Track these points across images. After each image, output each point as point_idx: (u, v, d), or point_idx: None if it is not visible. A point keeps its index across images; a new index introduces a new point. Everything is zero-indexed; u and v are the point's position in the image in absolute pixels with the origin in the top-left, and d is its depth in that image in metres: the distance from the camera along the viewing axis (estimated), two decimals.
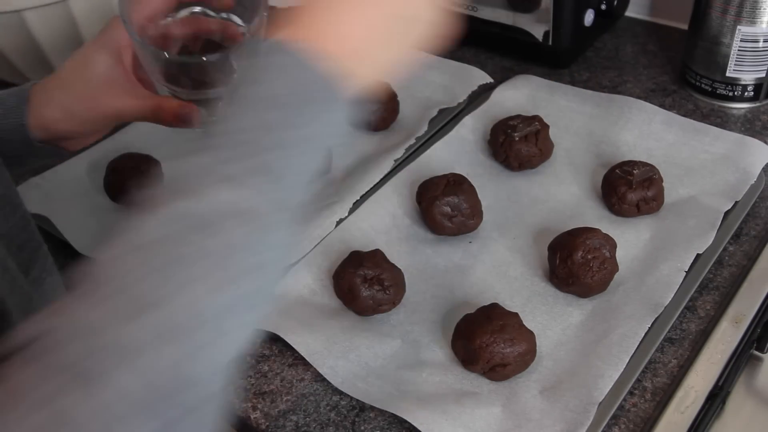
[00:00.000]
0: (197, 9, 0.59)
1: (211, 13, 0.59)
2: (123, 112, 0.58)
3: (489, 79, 0.89)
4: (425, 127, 0.84)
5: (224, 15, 0.59)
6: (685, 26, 0.87)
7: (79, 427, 0.29)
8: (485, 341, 0.57)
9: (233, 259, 0.34)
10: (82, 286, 0.33)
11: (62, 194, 0.79)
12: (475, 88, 0.88)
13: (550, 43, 0.90)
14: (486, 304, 0.61)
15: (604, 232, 0.65)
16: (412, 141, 0.82)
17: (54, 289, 0.62)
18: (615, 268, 0.64)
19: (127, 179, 0.76)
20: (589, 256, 0.62)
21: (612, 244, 0.64)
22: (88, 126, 0.59)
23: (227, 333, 0.34)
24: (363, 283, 0.63)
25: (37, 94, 0.58)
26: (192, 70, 0.57)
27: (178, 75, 0.57)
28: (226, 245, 0.34)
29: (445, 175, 0.72)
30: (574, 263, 0.62)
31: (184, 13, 0.59)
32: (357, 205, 0.75)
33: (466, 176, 0.73)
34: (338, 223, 0.73)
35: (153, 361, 0.31)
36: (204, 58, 0.55)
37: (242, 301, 0.35)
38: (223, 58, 0.55)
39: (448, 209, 0.70)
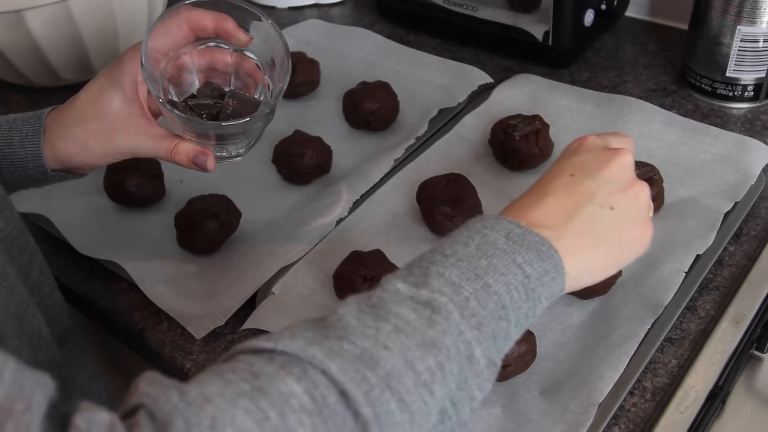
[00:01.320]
0: (212, 44, 0.59)
1: (228, 47, 0.59)
2: (137, 149, 0.58)
3: (489, 79, 0.89)
4: (425, 127, 0.84)
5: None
6: (685, 26, 0.87)
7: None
8: None
9: None
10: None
11: (62, 194, 0.79)
12: (475, 88, 0.88)
13: (550, 43, 0.90)
14: None
15: None
16: (412, 141, 0.82)
17: (52, 293, 0.61)
18: (618, 272, 0.63)
19: (127, 179, 0.76)
20: None
21: None
22: (102, 160, 0.59)
23: None
24: (363, 283, 0.63)
25: (53, 126, 0.58)
26: (212, 128, 0.57)
27: (190, 126, 0.57)
28: None
29: (445, 175, 0.72)
30: None
31: (200, 47, 0.59)
32: (357, 205, 0.75)
33: (466, 176, 0.73)
34: (338, 223, 0.73)
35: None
36: (223, 124, 0.56)
37: None
38: (244, 124, 0.55)
39: (448, 209, 0.70)
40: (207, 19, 0.56)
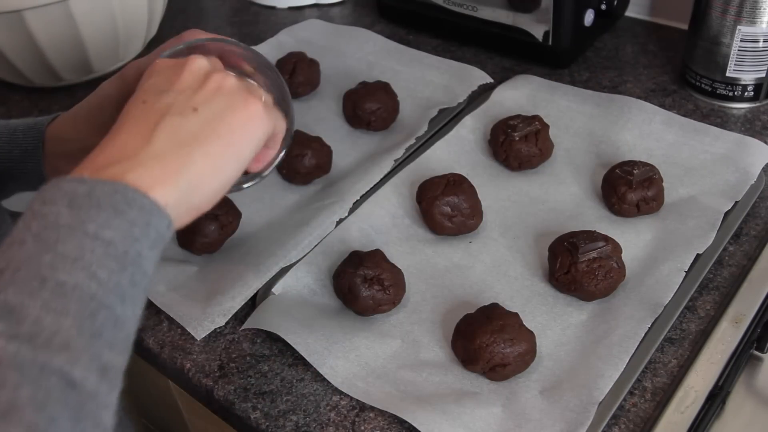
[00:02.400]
0: None
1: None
2: None
3: (489, 79, 0.89)
4: (425, 127, 0.84)
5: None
6: (685, 26, 0.87)
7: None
8: (485, 341, 0.57)
9: None
10: None
11: None
12: (475, 88, 0.88)
13: (550, 43, 0.90)
14: (486, 304, 0.61)
15: (609, 236, 0.64)
16: (412, 141, 0.82)
17: None
18: (621, 277, 0.63)
19: None
20: (595, 265, 0.62)
21: (618, 254, 0.64)
22: None
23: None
24: (363, 283, 0.63)
25: (53, 142, 0.56)
26: None
27: None
28: None
29: (445, 175, 0.72)
30: (578, 271, 0.62)
31: None
32: (357, 205, 0.75)
33: (466, 176, 0.73)
34: (338, 223, 0.73)
35: None
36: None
37: None
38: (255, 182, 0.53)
39: (448, 209, 0.70)
40: (211, 50, 0.53)
